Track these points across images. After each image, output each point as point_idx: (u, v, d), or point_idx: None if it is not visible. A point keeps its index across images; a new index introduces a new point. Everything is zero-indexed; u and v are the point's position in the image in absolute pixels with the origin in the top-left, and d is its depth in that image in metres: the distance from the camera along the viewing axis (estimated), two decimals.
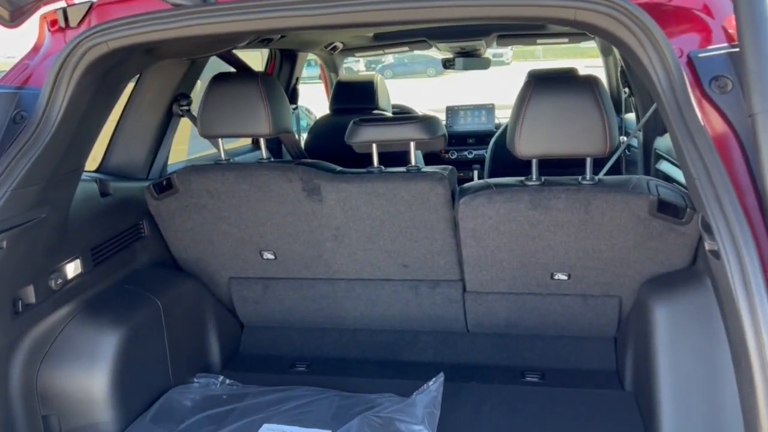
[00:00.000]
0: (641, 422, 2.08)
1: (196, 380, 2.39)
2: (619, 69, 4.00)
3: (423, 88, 17.09)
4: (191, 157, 4.07)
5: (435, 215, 2.31)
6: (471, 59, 4.30)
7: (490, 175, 4.09)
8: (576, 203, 2.12)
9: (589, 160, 2.14)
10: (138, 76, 2.64)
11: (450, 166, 2.42)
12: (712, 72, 1.49)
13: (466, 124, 5.19)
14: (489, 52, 4.53)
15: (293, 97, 4.35)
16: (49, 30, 2.01)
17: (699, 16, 1.62)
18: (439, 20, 1.64)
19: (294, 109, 4.31)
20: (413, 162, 2.37)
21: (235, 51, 3.01)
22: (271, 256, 2.56)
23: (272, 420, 2.10)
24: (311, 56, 4.70)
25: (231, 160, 2.53)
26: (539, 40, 4.41)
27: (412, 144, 2.35)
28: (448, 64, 4.39)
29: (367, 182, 2.31)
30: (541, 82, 2.09)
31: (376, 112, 4.13)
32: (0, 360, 1.89)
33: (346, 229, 2.42)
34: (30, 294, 1.95)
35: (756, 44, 1.31)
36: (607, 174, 2.58)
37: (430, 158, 4.54)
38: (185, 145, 4.25)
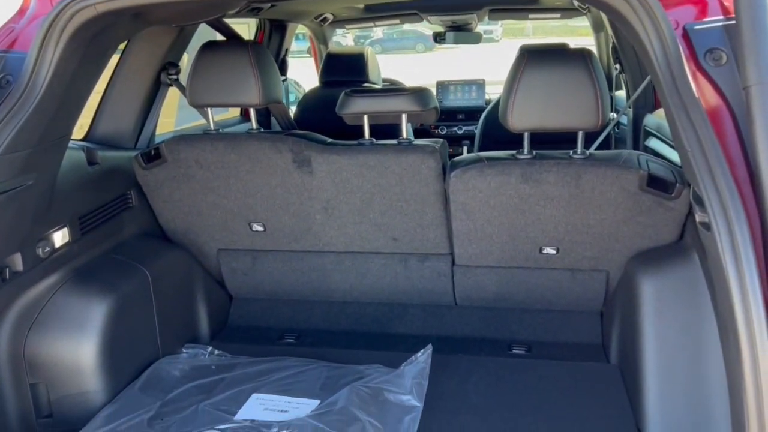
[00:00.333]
0: (626, 394, 2.11)
1: (184, 350, 2.39)
2: (610, 45, 3.99)
3: (412, 64, 16.98)
4: (178, 128, 4.02)
5: (426, 188, 2.31)
6: (462, 33, 4.27)
7: (481, 151, 4.08)
8: (567, 177, 2.13)
9: (580, 134, 2.14)
10: (126, 43, 2.59)
11: (441, 140, 2.41)
12: (707, 44, 1.49)
13: (456, 99, 5.16)
14: (479, 29, 4.50)
15: (282, 68, 4.29)
16: None
17: None
18: None
19: (283, 80, 4.26)
20: (404, 135, 2.36)
21: (224, 20, 2.96)
22: (260, 228, 2.55)
23: (261, 390, 2.11)
24: (300, 29, 4.64)
25: (221, 131, 2.50)
26: (531, 15, 4.39)
27: (403, 116, 2.34)
28: (439, 38, 4.36)
29: (358, 154, 2.30)
30: (534, 55, 2.08)
31: (366, 85, 4.09)
32: None
33: (336, 202, 2.41)
34: (17, 262, 1.94)
35: (752, 16, 1.31)
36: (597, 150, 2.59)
37: (420, 134, 4.51)
38: (172, 118, 4.20)
